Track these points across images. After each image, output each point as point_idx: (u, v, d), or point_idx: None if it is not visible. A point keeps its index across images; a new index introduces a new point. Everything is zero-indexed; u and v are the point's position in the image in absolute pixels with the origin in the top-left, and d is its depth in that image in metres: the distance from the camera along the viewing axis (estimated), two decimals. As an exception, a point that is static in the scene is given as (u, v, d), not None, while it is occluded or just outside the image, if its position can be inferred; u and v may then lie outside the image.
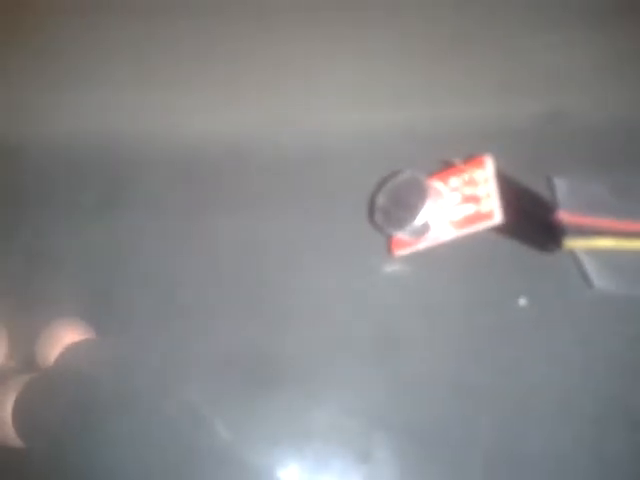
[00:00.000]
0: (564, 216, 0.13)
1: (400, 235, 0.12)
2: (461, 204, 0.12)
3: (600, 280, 0.12)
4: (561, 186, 0.14)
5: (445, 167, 0.12)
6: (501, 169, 0.12)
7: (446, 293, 0.13)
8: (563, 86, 0.17)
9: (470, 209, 0.12)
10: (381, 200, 0.13)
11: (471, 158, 0.12)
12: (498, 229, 0.12)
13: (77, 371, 0.17)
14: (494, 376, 0.12)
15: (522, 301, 0.13)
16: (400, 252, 0.13)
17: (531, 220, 0.12)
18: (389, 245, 0.13)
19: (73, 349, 0.19)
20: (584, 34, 0.17)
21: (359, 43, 0.17)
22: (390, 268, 0.13)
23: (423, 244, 0.12)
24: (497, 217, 0.11)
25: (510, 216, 0.12)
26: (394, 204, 0.12)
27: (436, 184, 0.13)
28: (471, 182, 0.12)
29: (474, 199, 0.12)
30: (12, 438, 0.17)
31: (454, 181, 0.12)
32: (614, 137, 0.15)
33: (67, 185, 0.17)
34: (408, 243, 0.12)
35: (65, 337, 0.19)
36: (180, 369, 0.15)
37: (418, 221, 0.12)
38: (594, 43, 0.17)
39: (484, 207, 0.12)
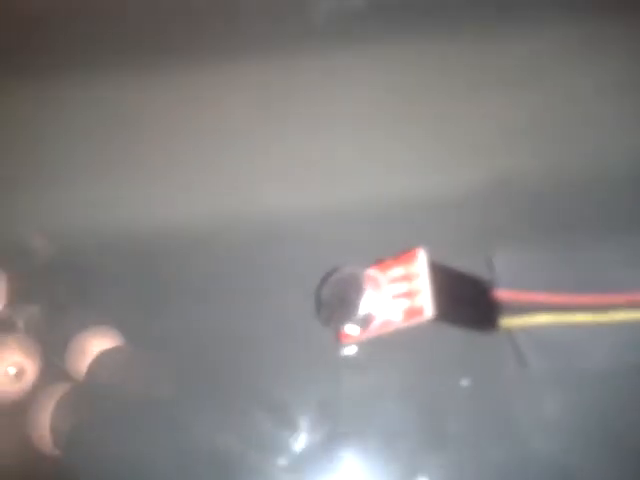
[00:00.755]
0: (501, 294, 0.14)
1: (345, 328, 0.13)
2: (398, 297, 0.13)
3: (535, 358, 0.13)
4: (499, 263, 0.14)
5: (381, 261, 0.13)
6: (436, 259, 0.13)
7: (387, 377, 0.13)
8: (507, 154, 0.17)
9: (405, 303, 0.13)
10: (324, 296, 0.13)
11: (405, 251, 0.13)
12: (434, 319, 0.13)
13: (108, 380, 0.19)
14: (439, 453, 0.13)
15: (464, 382, 0.13)
16: (347, 342, 0.13)
17: (467, 305, 0.13)
18: (338, 336, 0.14)
19: (104, 358, 0.20)
20: (524, 97, 0.18)
21: (309, 125, 0.18)
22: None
23: (366, 335, 0.13)
24: (428, 312, 0.12)
25: (445, 306, 0.13)
26: (336, 300, 0.13)
27: (376, 276, 0.13)
28: (405, 276, 0.13)
29: (408, 294, 0.13)
30: (49, 448, 0.18)
31: (393, 272, 0.13)
32: (558, 204, 0.16)
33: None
34: (354, 335, 0.13)
35: (96, 346, 0.21)
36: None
37: (358, 315, 0.13)
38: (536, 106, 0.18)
39: (417, 302, 0.12)
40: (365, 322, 0.13)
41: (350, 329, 0.13)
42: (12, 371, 0.22)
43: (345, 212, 0.16)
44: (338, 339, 0.14)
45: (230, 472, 0.15)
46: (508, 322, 0.13)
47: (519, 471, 0.13)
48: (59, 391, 0.20)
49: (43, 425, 0.20)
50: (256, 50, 0.19)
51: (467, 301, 0.13)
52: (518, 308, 0.14)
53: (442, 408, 0.13)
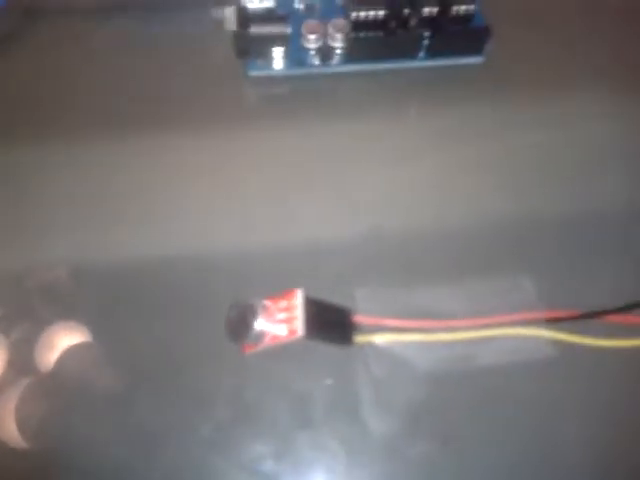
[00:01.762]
0: (359, 319, 0.19)
1: (246, 342, 0.19)
2: (282, 321, 0.18)
3: (377, 365, 0.19)
4: (362, 296, 0.20)
5: (273, 296, 0.19)
6: (310, 296, 0.19)
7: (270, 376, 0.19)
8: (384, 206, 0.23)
9: (287, 326, 0.18)
10: (230, 318, 0.19)
11: (289, 290, 0.19)
12: (306, 338, 0.18)
13: (75, 375, 0.21)
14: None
15: (329, 381, 0.19)
16: (248, 352, 0.19)
17: (331, 327, 0.19)
18: (242, 348, 0.19)
19: (71, 353, 0.21)
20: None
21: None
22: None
23: (261, 347, 0.19)
24: (300, 333, 0.18)
25: (313, 328, 0.18)
26: (238, 322, 0.18)
27: (269, 305, 0.19)
28: (288, 307, 0.18)
29: (289, 319, 0.18)
30: (15, 440, 0.20)
31: (280, 304, 0.19)
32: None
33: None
34: (253, 346, 0.19)
35: (63, 341, 0.21)
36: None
37: (255, 333, 0.18)
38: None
39: (294, 325, 0.18)
40: (259, 338, 0.18)
41: (249, 342, 0.19)
42: None
43: (253, 253, 0.22)
44: (242, 350, 0.19)
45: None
46: (361, 339, 0.19)
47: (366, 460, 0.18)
48: (26, 384, 0.21)
49: (9, 417, 0.21)
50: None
51: (331, 324, 0.19)
52: (369, 329, 0.20)
53: (311, 400, 0.19)
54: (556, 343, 0.19)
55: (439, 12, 0.23)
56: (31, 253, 0.22)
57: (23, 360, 0.21)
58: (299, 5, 0.25)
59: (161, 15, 0.26)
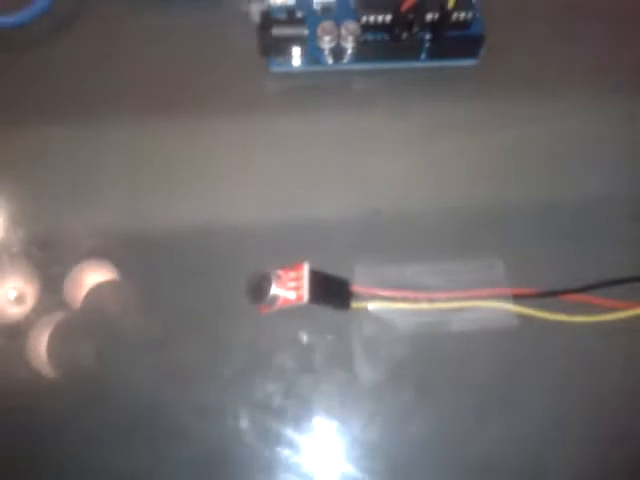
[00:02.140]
0: (356, 288, 0.23)
1: (262, 304, 0.23)
2: (292, 289, 0.22)
3: (367, 327, 0.23)
4: (360, 270, 0.24)
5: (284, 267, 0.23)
6: (314, 268, 0.22)
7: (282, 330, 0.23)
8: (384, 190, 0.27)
9: (296, 292, 0.22)
10: (250, 285, 0.23)
11: (297, 263, 0.23)
12: (310, 303, 0.22)
13: (101, 312, 0.23)
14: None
15: (329, 337, 0.23)
16: (264, 312, 0.23)
17: (332, 294, 0.23)
18: (259, 309, 0.23)
19: (98, 291, 0.23)
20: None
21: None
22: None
23: (275, 308, 0.23)
24: (305, 299, 0.22)
25: (316, 295, 0.22)
26: (256, 287, 0.22)
27: (281, 275, 0.23)
28: (296, 277, 0.22)
29: (297, 287, 0.22)
30: (46, 369, 0.22)
31: (290, 274, 0.23)
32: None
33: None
34: (268, 307, 0.23)
35: (90, 278, 0.24)
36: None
37: (269, 297, 0.22)
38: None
39: (301, 292, 0.22)
40: (273, 301, 0.22)
41: (265, 304, 0.23)
42: (12, 295, 0.24)
43: (269, 228, 0.26)
44: (259, 310, 0.23)
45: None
46: (357, 305, 0.23)
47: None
48: (56, 318, 0.23)
49: (41, 349, 0.23)
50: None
51: (332, 292, 0.23)
52: (364, 297, 0.24)
53: (314, 351, 0.23)
54: (519, 316, 0.23)
55: (440, 18, 0.26)
56: (84, 217, 0.26)
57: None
58: (316, 6, 0.28)
59: (194, 7, 0.30)
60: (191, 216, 0.26)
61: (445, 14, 0.25)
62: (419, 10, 0.26)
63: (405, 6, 0.24)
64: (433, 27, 0.26)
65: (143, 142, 0.27)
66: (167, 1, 0.29)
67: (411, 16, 0.25)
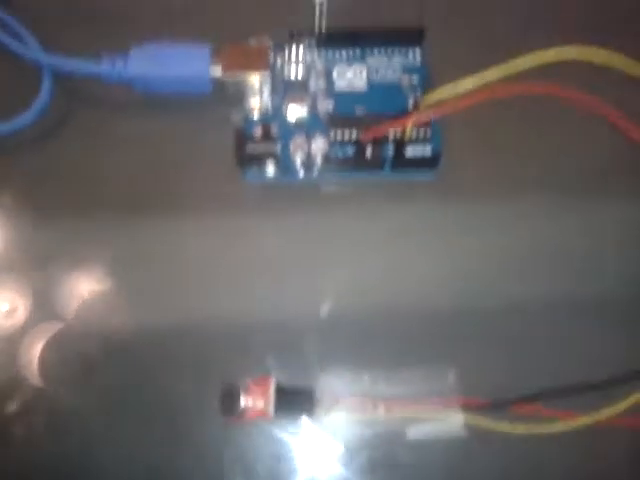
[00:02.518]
0: (320, 396, 0.25)
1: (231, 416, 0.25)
2: (259, 401, 0.24)
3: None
4: (324, 378, 0.26)
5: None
6: (280, 383, 0.24)
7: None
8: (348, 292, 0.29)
9: (261, 406, 0.24)
10: (220, 396, 0.25)
11: (264, 377, 0.24)
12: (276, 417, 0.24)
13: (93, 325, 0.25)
14: None
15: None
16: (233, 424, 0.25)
17: (296, 406, 0.25)
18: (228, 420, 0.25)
19: (90, 303, 0.25)
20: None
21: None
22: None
23: (243, 420, 0.24)
24: (271, 414, 0.24)
25: (282, 409, 0.24)
26: (225, 399, 0.24)
27: (250, 387, 0.25)
28: (263, 392, 0.24)
29: (263, 401, 0.24)
30: (36, 379, 0.23)
31: (257, 388, 0.25)
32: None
33: None
34: (236, 419, 0.25)
35: (84, 290, 0.25)
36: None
37: (238, 410, 0.24)
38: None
39: (267, 407, 0.24)
40: (242, 413, 0.24)
41: (234, 416, 0.25)
42: (4, 308, 0.24)
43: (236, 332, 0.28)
44: (228, 422, 0.25)
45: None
46: (320, 413, 0.25)
47: None
48: (49, 330, 0.24)
49: (33, 361, 0.23)
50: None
51: (297, 404, 0.25)
52: (328, 405, 0.26)
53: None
54: (470, 426, 0.25)
55: (398, 145, 0.28)
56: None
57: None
58: (290, 120, 0.30)
59: (179, 113, 0.32)
60: (157, 317, 0.28)
61: (402, 143, 0.28)
62: (379, 141, 0.29)
63: (366, 137, 0.26)
64: (394, 148, 0.29)
65: (119, 242, 0.29)
66: (152, 107, 0.31)
67: (370, 147, 0.27)
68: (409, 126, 0.25)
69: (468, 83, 0.23)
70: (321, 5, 0.27)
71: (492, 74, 0.22)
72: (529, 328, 0.28)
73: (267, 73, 0.28)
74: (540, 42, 0.30)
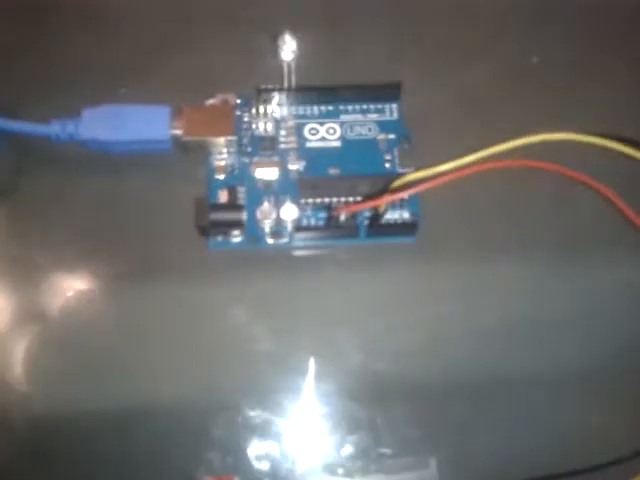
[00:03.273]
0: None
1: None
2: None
3: None
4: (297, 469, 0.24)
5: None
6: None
7: None
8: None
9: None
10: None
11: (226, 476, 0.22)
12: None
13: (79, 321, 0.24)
14: None
15: None
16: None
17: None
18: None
19: (75, 299, 0.24)
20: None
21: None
22: None
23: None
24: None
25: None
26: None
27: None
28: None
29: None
30: (19, 382, 0.23)
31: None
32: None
33: None
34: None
35: (68, 286, 0.25)
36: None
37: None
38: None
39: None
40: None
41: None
42: None
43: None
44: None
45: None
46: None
47: None
48: (32, 330, 0.24)
49: (16, 363, 0.23)
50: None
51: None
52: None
53: None
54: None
55: (373, 216, 0.26)
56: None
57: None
58: (258, 182, 0.28)
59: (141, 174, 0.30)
60: (110, 396, 0.26)
61: (378, 215, 0.26)
62: (352, 217, 0.27)
63: (338, 211, 0.24)
64: (369, 216, 0.27)
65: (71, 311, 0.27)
66: (110, 167, 0.29)
67: (343, 217, 0.25)
68: (382, 205, 0.23)
69: (447, 167, 0.21)
70: (289, 63, 0.25)
71: (473, 157, 0.21)
72: (516, 404, 0.26)
73: (232, 138, 0.27)
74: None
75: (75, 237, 0.28)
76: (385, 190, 0.24)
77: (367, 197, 0.25)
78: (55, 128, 0.26)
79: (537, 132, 0.28)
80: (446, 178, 0.21)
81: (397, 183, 0.23)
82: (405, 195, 0.21)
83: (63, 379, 0.26)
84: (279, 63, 0.26)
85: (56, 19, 0.31)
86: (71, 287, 0.27)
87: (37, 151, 0.29)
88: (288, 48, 0.24)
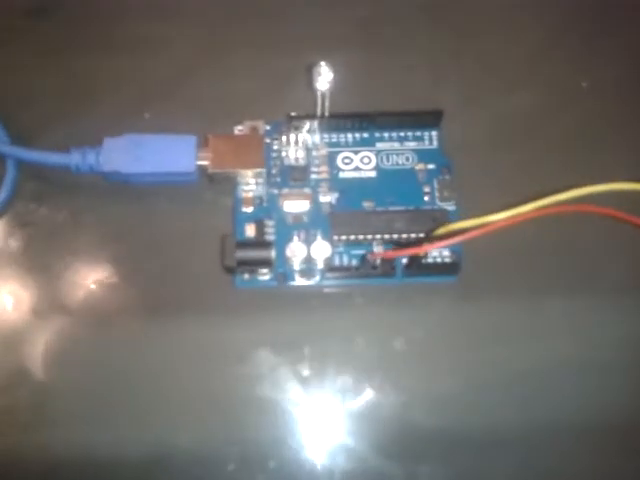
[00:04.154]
0: None
1: None
2: None
3: None
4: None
5: None
6: None
7: None
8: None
9: None
10: None
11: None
12: None
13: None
14: None
15: None
16: None
17: None
18: None
19: (91, 335, 0.24)
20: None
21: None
22: None
23: None
24: None
25: None
26: None
27: None
28: None
29: None
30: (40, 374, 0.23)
31: None
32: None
33: None
34: None
35: (84, 321, 0.24)
36: None
37: None
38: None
39: None
40: None
41: None
42: (9, 300, 0.24)
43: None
44: None
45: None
46: None
47: None
48: (54, 322, 0.24)
49: (38, 353, 0.23)
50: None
51: None
52: None
53: None
54: None
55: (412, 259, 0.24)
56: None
57: None
58: (287, 216, 0.26)
59: (156, 200, 0.28)
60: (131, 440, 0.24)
61: (417, 258, 0.24)
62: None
63: (375, 256, 0.23)
64: (407, 259, 0.25)
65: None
66: (132, 197, 0.28)
67: (379, 260, 0.24)
68: (422, 253, 0.21)
69: (498, 217, 0.19)
70: (324, 92, 0.24)
71: (527, 208, 0.19)
72: (563, 455, 0.24)
73: (261, 170, 0.25)
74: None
75: (93, 269, 0.26)
76: (426, 237, 0.22)
77: (406, 243, 0.24)
78: (75, 158, 0.24)
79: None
80: (494, 227, 0.19)
81: (440, 231, 0.21)
82: (449, 244, 0.19)
83: (79, 422, 0.25)
84: (312, 91, 0.24)
85: (77, 43, 0.30)
86: (87, 322, 0.26)
87: (56, 179, 0.28)
88: (324, 79, 0.22)
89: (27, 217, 0.27)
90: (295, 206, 0.26)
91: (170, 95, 0.28)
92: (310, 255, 0.25)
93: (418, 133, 0.27)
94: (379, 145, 0.27)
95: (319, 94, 0.24)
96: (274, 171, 0.27)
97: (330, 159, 0.27)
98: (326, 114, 0.26)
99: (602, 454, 0.25)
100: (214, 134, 0.25)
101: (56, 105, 0.29)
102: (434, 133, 0.27)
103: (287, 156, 0.27)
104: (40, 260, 0.27)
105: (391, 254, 0.22)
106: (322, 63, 0.22)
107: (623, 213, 0.21)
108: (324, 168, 0.27)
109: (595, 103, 0.29)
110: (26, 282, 0.26)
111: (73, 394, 0.25)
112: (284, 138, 0.27)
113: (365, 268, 0.24)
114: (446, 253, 0.25)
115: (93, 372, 0.25)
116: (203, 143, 0.25)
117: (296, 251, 0.25)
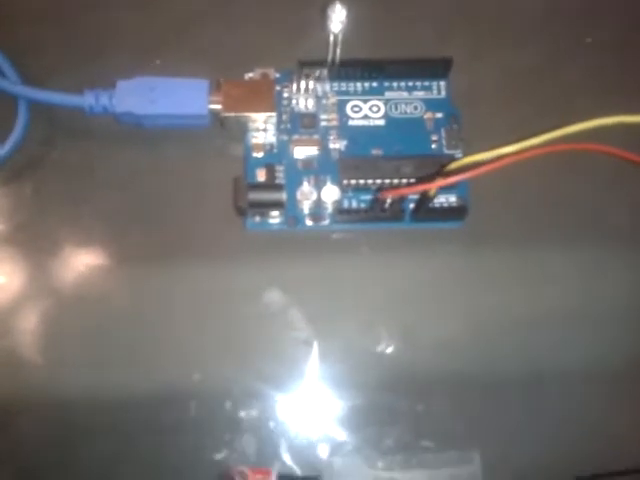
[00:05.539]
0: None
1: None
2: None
3: None
4: (332, 465, 0.23)
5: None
6: (282, 473, 0.21)
7: None
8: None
9: None
10: None
11: (265, 469, 0.22)
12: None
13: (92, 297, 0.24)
14: None
15: None
16: None
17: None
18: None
19: (103, 279, 0.24)
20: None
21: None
22: None
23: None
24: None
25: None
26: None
27: (248, 474, 0.22)
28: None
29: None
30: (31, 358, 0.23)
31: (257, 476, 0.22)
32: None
33: None
34: None
35: (96, 265, 0.25)
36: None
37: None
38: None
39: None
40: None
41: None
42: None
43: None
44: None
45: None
46: None
47: None
48: (44, 304, 0.24)
49: (28, 336, 0.23)
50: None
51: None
52: None
53: None
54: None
55: (421, 200, 0.25)
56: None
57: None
58: (297, 161, 0.27)
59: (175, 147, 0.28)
60: (145, 379, 0.25)
61: (426, 199, 0.24)
62: (399, 200, 0.25)
63: (385, 194, 0.23)
64: (416, 201, 0.26)
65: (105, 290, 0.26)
66: (144, 141, 0.28)
67: (389, 201, 0.24)
68: (433, 190, 0.22)
69: (509, 149, 0.19)
70: (336, 35, 0.24)
71: (538, 140, 0.19)
72: (564, 398, 0.25)
73: (272, 114, 0.26)
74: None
75: (105, 214, 0.27)
76: (437, 173, 0.22)
77: (418, 180, 0.24)
78: (88, 99, 0.25)
79: (591, 114, 0.27)
80: (506, 162, 0.19)
81: (453, 166, 0.21)
82: (461, 179, 0.20)
83: (92, 364, 0.25)
84: (323, 37, 0.24)
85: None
86: (99, 266, 0.27)
87: (68, 122, 0.28)
88: (337, 18, 0.22)
89: (38, 161, 0.28)
90: (305, 152, 0.27)
91: (181, 42, 0.29)
92: (320, 199, 0.26)
93: (427, 83, 0.28)
94: (388, 94, 0.28)
95: (332, 37, 0.24)
96: (284, 118, 0.27)
97: (339, 107, 0.28)
98: (337, 61, 0.26)
99: (600, 399, 0.25)
100: (225, 79, 0.26)
101: (68, 52, 0.29)
102: (442, 83, 0.28)
103: (297, 103, 0.27)
104: (50, 204, 0.27)
105: (402, 191, 0.23)
106: (336, 2, 0.22)
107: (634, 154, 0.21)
108: (333, 116, 0.27)
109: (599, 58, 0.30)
110: (32, 224, 0.27)
111: (86, 335, 0.26)
112: (294, 86, 0.27)
113: (375, 210, 0.25)
114: (453, 199, 0.26)
115: (107, 314, 0.26)
116: (215, 87, 0.26)
117: (306, 194, 0.26)
